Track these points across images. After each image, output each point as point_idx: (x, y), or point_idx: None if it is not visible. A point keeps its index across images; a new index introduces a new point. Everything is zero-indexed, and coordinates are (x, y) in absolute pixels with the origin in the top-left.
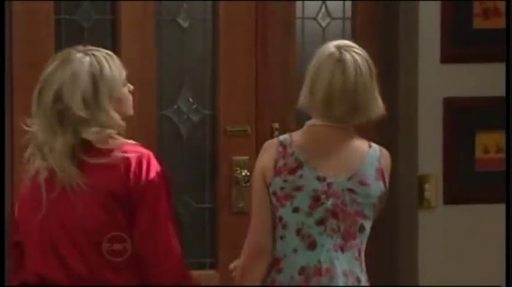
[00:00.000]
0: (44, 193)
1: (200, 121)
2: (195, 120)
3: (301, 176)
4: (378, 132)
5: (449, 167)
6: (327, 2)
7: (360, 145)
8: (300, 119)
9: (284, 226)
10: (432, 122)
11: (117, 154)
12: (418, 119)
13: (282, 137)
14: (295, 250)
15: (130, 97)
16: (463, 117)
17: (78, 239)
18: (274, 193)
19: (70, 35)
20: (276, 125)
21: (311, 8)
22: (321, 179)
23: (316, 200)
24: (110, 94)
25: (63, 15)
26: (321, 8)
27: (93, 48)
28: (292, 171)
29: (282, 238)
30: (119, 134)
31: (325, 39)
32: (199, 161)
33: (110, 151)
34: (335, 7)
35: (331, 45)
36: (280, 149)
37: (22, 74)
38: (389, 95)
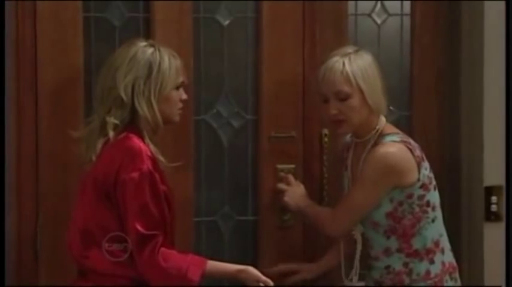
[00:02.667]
0: None
1: (242, 127)
2: (236, 125)
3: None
4: (441, 142)
5: None
6: None
7: None
8: None
9: (434, 208)
10: (499, 128)
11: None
12: (483, 125)
13: (397, 138)
14: (443, 224)
15: (180, 104)
16: None
17: None
18: (422, 185)
19: (100, 34)
20: (325, 131)
21: (365, 3)
22: None
23: None
24: (160, 89)
25: (92, 13)
26: (376, 3)
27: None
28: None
29: (434, 220)
30: (155, 135)
31: (381, 38)
32: (241, 170)
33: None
34: (392, 2)
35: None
36: (409, 146)
37: (48, 76)
38: (452, 97)
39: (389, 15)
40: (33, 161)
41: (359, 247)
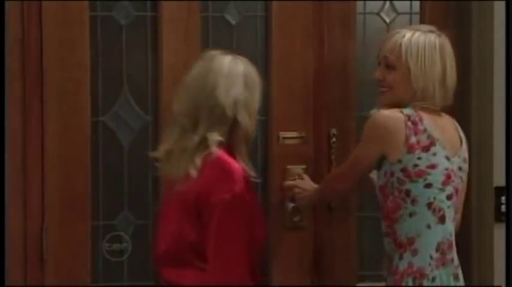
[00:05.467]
0: None
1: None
2: None
3: (434, 154)
4: None
5: None
6: None
7: (453, 123)
8: (360, 124)
9: (413, 201)
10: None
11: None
12: (493, 124)
13: (407, 111)
14: (428, 226)
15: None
16: None
17: None
18: (404, 169)
19: (106, 33)
20: (334, 131)
21: (374, 2)
22: (449, 158)
23: (448, 177)
24: (255, 101)
25: (99, 13)
26: (385, 2)
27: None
28: (426, 148)
29: (411, 215)
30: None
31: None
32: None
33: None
34: (401, 1)
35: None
36: (410, 124)
37: (54, 76)
38: (461, 96)
39: (398, 14)
40: (39, 161)
41: None
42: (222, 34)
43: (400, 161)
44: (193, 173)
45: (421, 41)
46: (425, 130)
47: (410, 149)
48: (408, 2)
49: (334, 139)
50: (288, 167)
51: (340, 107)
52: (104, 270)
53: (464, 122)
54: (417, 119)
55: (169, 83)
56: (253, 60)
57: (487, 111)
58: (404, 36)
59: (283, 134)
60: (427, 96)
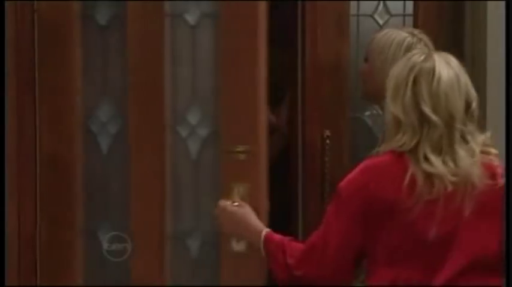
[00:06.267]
0: None
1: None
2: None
3: None
4: None
5: None
6: None
7: None
8: (353, 125)
9: None
10: (501, 128)
11: None
12: (486, 126)
13: None
14: None
15: None
16: None
17: None
18: None
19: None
20: (328, 132)
21: (368, 4)
22: None
23: None
24: None
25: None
26: (378, 4)
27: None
28: None
29: None
30: None
31: None
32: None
33: None
34: (394, 2)
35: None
36: None
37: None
38: None
39: (392, 15)
40: (33, 162)
41: None
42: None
43: None
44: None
45: (389, 39)
46: None
47: None
48: (401, 4)
49: (327, 141)
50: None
51: (333, 108)
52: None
53: None
54: None
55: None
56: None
57: (480, 112)
58: (381, 32)
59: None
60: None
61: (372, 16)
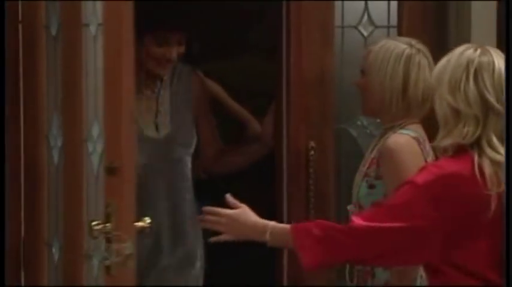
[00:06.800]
0: None
1: None
2: None
3: None
4: None
5: None
6: (370, 9)
7: None
8: (338, 136)
9: None
10: None
11: None
12: None
13: (413, 134)
14: None
15: None
16: None
17: None
18: None
19: None
20: (312, 144)
21: (352, 15)
22: None
23: None
24: None
25: None
26: (363, 15)
27: None
28: None
29: None
30: None
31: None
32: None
33: None
34: (379, 14)
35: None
36: (422, 147)
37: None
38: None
39: (376, 27)
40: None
41: None
42: None
43: None
44: None
45: (389, 51)
46: (428, 150)
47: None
48: (386, 16)
49: (312, 152)
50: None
51: (318, 119)
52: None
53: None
54: (421, 139)
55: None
56: None
57: None
58: (377, 44)
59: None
60: (386, 106)
61: (356, 27)
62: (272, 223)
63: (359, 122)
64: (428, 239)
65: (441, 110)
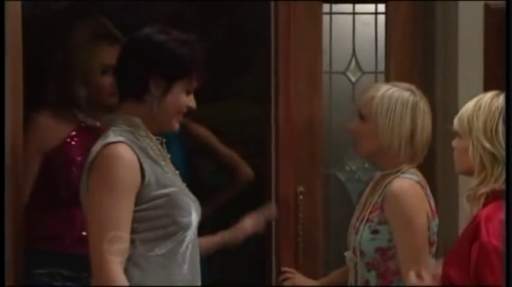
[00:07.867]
0: None
1: None
2: None
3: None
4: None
5: None
6: (358, 55)
7: None
8: (327, 181)
9: None
10: None
11: None
12: None
13: (416, 178)
14: None
15: None
16: None
17: None
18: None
19: None
20: (301, 188)
21: (340, 61)
22: None
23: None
24: None
25: None
26: (350, 61)
27: None
28: (434, 215)
29: None
30: None
31: (355, 95)
32: None
33: None
34: (366, 60)
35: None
36: (425, 191)
37: None
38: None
39: (364, 73)
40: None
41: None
42: None
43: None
44: None
45: (394, 98)
46: (429, 194)
47: (433, 214)
48: (373, 61)
49: (301, 196)
50: None
51: (307, 164)
52: None
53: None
54: (422, 183)
55: None
56: None
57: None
58: (379, 90)
59: None
60: (392, 152)
61: (344, 73)
62: None
63: (347, 167)
64: None
65: (477, 155)
